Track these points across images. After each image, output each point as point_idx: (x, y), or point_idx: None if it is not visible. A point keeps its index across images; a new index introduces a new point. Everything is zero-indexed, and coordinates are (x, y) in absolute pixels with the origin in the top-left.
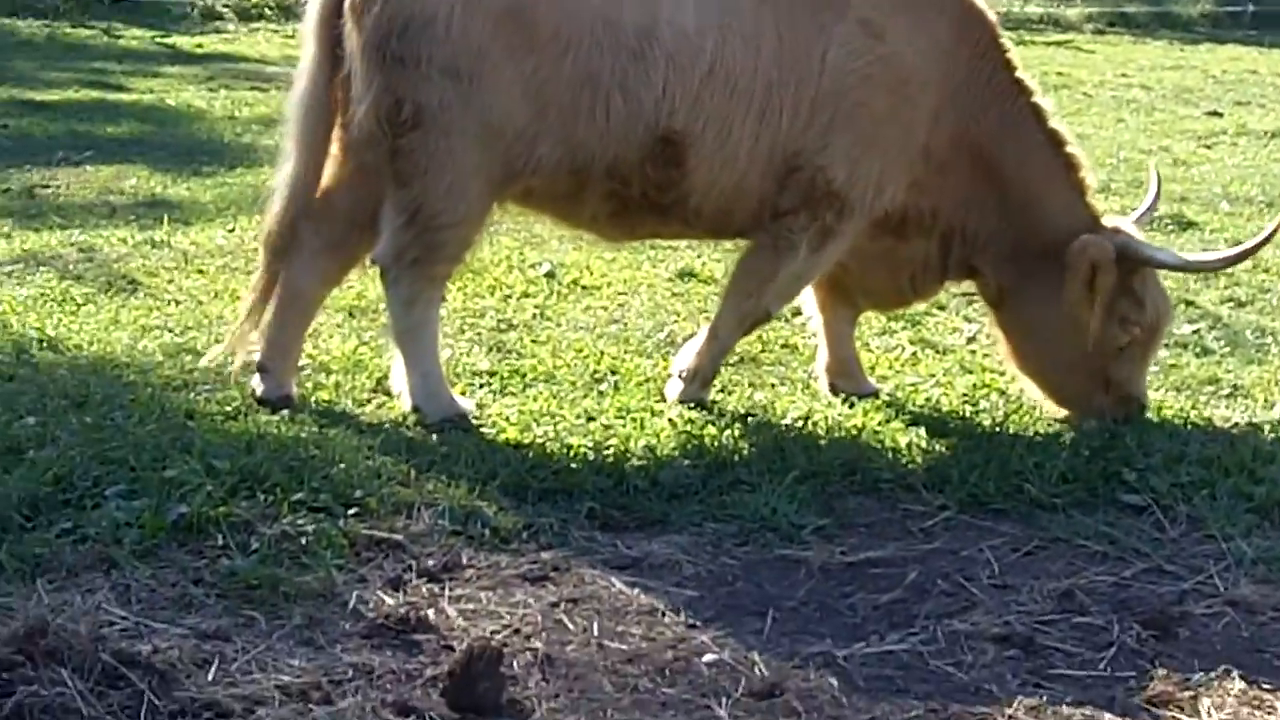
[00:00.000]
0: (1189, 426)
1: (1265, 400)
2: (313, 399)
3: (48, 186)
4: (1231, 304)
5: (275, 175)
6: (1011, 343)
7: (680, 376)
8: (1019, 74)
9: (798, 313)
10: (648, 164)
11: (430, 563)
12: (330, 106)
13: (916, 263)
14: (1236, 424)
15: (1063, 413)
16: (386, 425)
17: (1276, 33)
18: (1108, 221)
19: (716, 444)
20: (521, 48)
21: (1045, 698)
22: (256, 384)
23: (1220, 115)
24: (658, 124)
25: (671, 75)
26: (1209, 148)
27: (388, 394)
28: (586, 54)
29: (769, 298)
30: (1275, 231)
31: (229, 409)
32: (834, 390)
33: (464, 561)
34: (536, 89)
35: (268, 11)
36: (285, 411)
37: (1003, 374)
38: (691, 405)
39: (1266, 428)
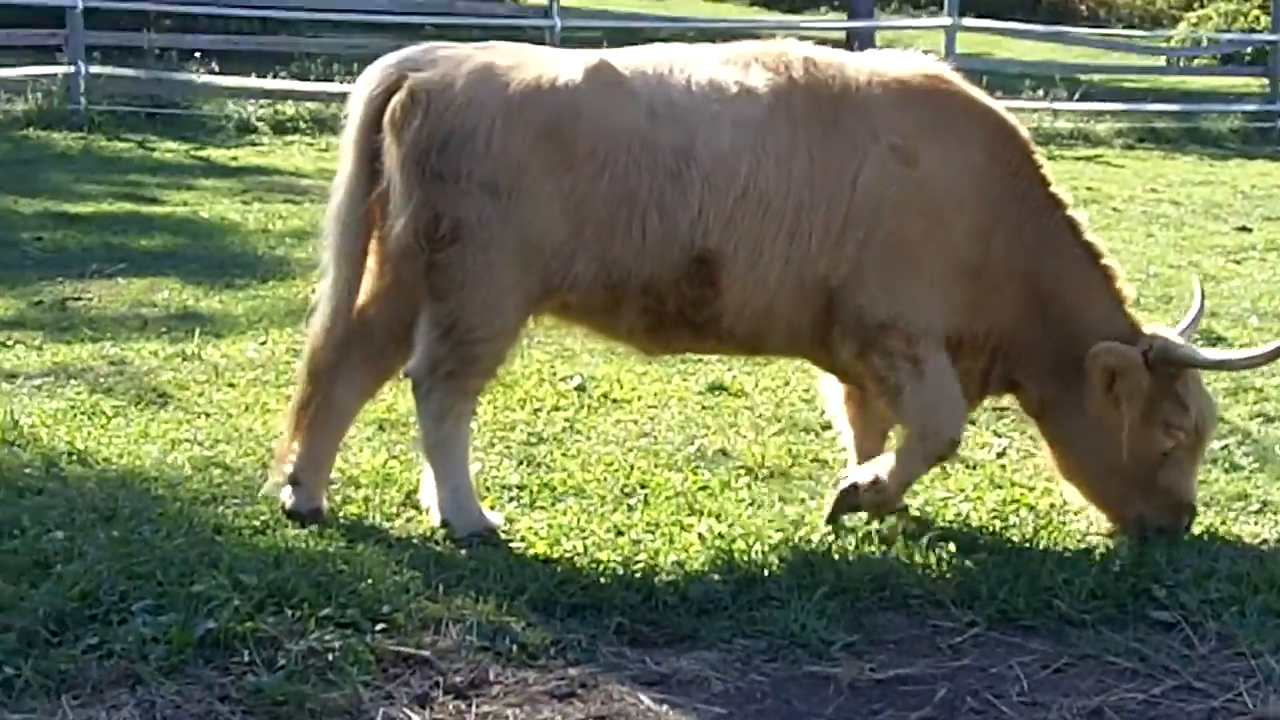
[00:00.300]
0: (1218, 543)
1: None
2: (341, 513)
3: (80, 299)
4: (1261, 419)
5: (316, 290)
6: (1056, 453)
7: (862, 484)
8: (1053, 189)
9: (828, 427)
10: (682, 282)
11: (458, 679)
12: (368, 220)
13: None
14: (1266, 540)
15: (1109, 524)
16: (415, 540)
17: None
18: (1148, 329)
19: (746, 559)
20: (560, 164)
21: None
22: (287, 496)
23: (1250, 230)
24: (693, 244)
25: (707, 196)
26: (1238, 263)
27: (417, 508)
28: (624, 172)
29: (944, 427)
30: None
31: (257, 523)
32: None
33: (491, 678)
34: (574, 206)
35: (302, 125)
36: (314, 525)
37: (1032, 489)
38: (840, 515)
39: None
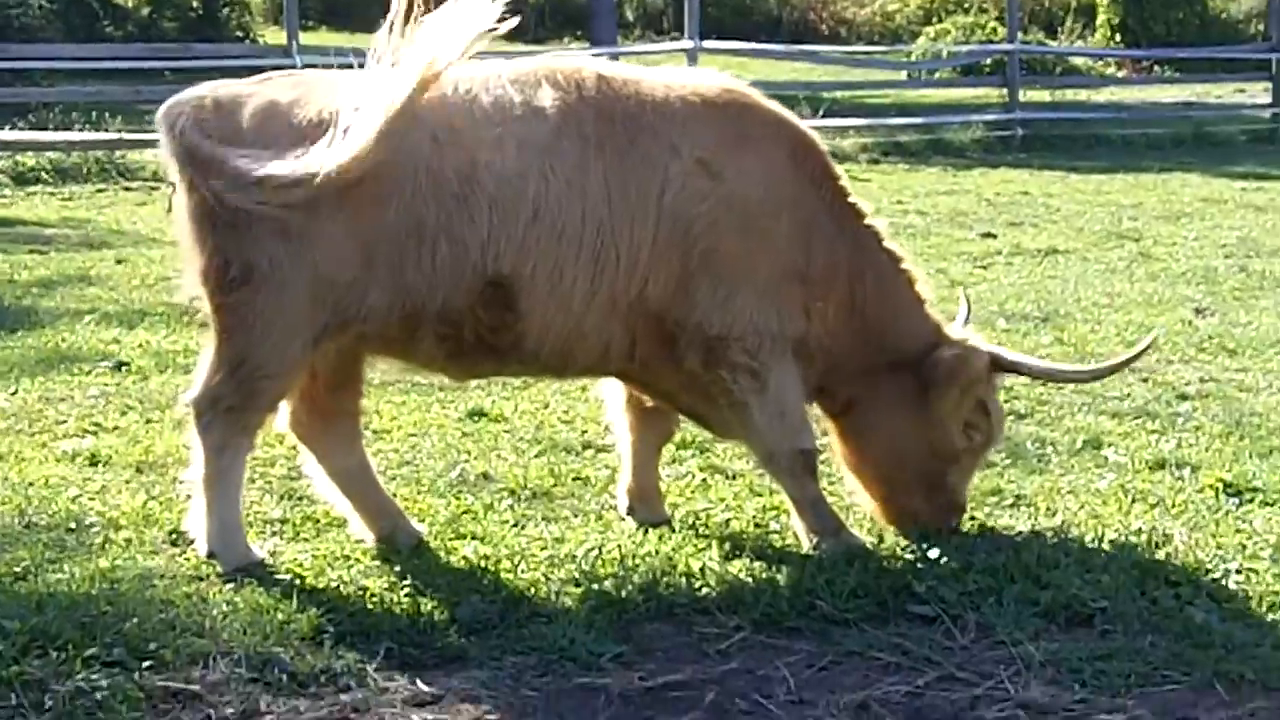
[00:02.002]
0: (974, 537)
1: (1047, 508)
2: (104, 555)
3: None
4: (1012, 416)
5: None
6: (851, 448)
7: (815, 546)
8: (852, 198)
9: (588, 446)
10: (478, 308)
11: (229, 711)
12: None
13: None
14: (1021, 532)
15: (881, 519)
16: (180, 577)
17: (1046, 155)
18: (953, 332)
19: (513, 578)
20: (347, 198)
21: None
22: None
23: (995, 236)
24: (485, 268)
25: (495, 220)
26: (985, 268)
27: (179, 546)
28: (410, 201)
29: (786, 442)
30: (1143, 352)
31: (18, 570)
32: (630, 513)
33: (262, 708)
34: (364, 239)
35: (44, 175)
36: (74, 569)
37: None
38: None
39: (1049, 534)
